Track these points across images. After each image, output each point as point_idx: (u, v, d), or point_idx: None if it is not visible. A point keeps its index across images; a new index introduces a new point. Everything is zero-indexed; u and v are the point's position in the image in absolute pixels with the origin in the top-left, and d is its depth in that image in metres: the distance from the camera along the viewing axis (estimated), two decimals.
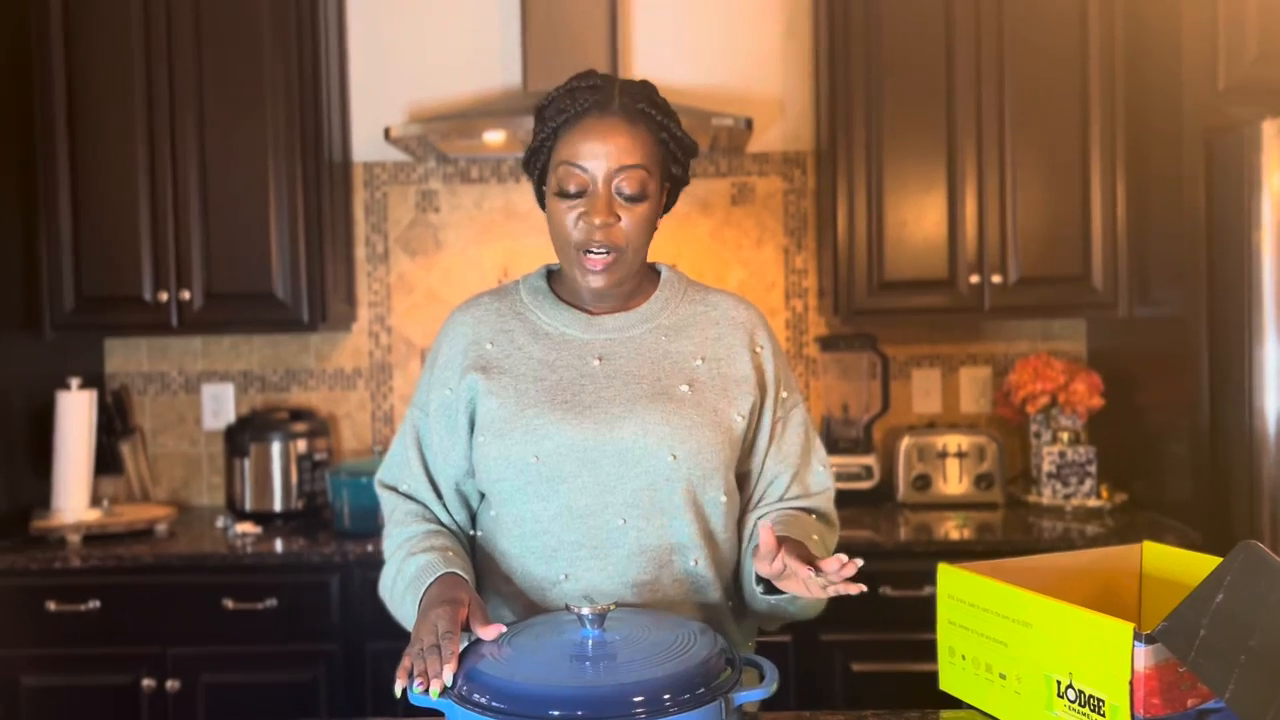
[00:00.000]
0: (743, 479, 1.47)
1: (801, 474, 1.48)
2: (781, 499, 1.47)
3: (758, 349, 1.45)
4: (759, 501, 1.47)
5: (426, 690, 1.08)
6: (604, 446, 1.34)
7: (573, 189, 1.34)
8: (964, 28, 2.73)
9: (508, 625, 1.20)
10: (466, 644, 1.17)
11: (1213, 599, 1.02)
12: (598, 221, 1.33)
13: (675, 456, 1.34)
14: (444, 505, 1.46)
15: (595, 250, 1.34)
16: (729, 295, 1.50)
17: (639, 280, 1.45)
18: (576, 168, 1.34)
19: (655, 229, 1.41)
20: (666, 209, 1.47)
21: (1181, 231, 2.47)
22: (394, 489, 1.49)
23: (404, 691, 1.10)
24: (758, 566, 1.23)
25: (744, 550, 1.45)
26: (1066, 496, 2.78)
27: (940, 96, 2.74)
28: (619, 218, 1.34)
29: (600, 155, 1.33)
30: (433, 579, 1.30)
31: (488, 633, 1.16)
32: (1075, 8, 2.72)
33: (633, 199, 1.34)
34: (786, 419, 1.47)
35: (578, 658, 1.08)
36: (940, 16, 2.73)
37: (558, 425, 1.35)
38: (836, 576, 1.14)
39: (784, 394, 1.47)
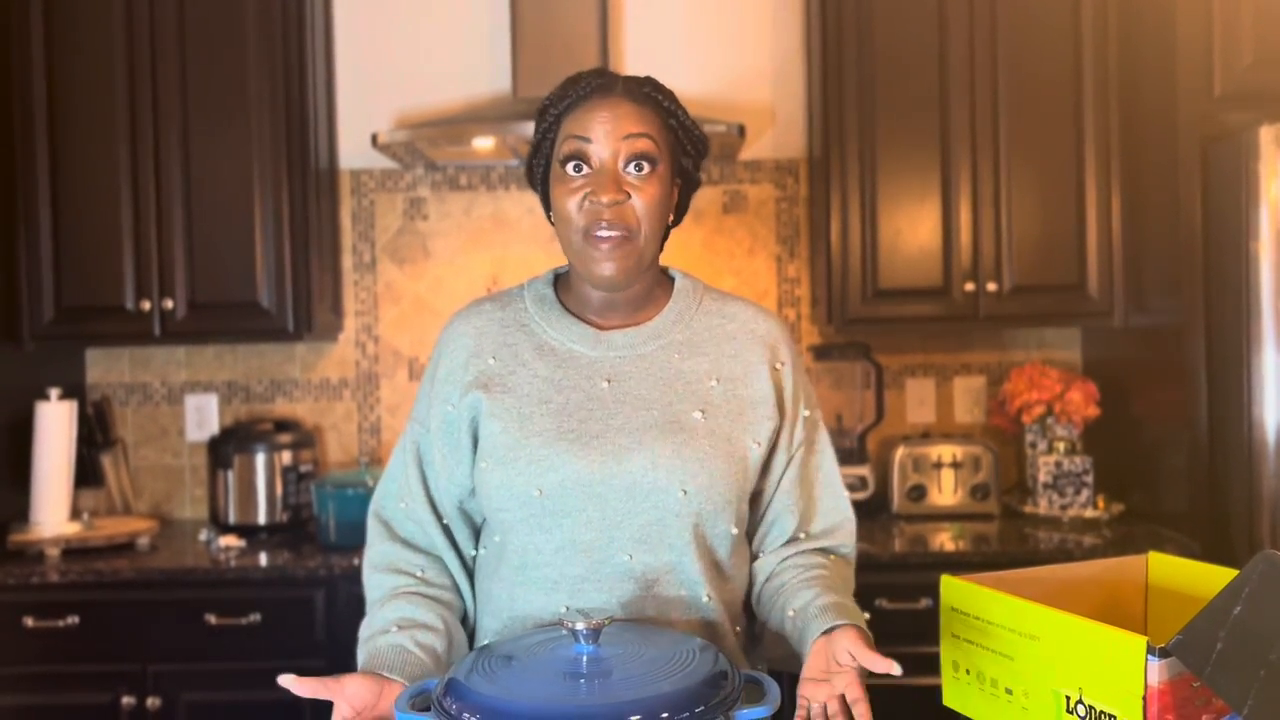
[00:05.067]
0: (756, 496, 1.39)
1: (823, 506, 1.40)
2: (795, 538, 1.39)
3: (778, 365, 1.36)
4: (771, 533, 1.39)
5: None
6: (611, 480, 1.27)
7: (577, 164, 1.26)
8: (957, 35, 2.71)
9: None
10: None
11: (1230, 611, 0.98)
12: (605, 199, 1.24)
13: (686, 492, 1.27)
14: (442, 529, 1.38)
15: (604, 231, 1.25)
16: (749, 305, 1.40)
17: (650, 287, 1.36)
18: (581, 139, 1.26)
19: (668, 223, 1.34)
20: (679, 217, 1.39)
21: (1178, 239, 2.44)
22: (388, 524, 1.40)
23: None
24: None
25: (758, 588, 1.38)
26: (1063, 507, 2.75)
27: (934, 103, 2.72)
28: (628, 195, 1.26)
29: (607, 129, 1.26)
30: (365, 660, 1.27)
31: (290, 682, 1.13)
32: (1069, 15, 2.70)
33: (642, 171, 1.26)
34: (813, 441, 1.40)
35: (571, 675, 1.04)
36: (934, 23, 2.71)
37: (563, 457, 1.27)
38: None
39: (806, 412, 1.39)
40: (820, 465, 1.40)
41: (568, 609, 1.29)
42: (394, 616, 1.30)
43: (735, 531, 1.33)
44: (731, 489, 1.30)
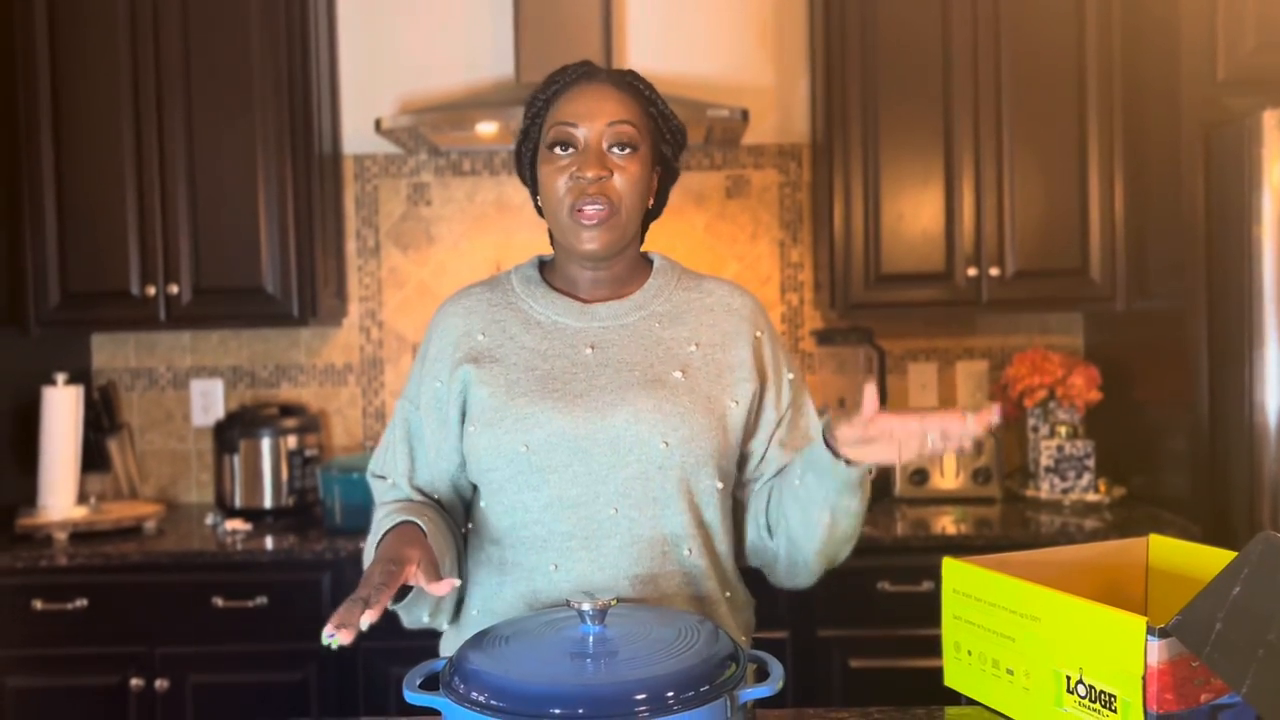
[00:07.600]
0: (744, 459, 1.44)
1: None
2: None
3: (757, 334, 1.43)
4: (769, 477, 1.43)
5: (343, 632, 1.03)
6: (595, 435, 1.32)
7: (564, 145, 1.34)
8: (960, 18, 2.71)
9: (498, 616, 1.17)
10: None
11: (1229, 591, 0.99)
12: (590, 174, 1.33)
13: (667, 443, 1.32)
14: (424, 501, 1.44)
15: (589, 206, 1.33)
16: (724, 282, 1.48)
17: (632, 267, 1.44)
18: (567, 125, 1.35)
19: (648, 205, 1.41)
20: (659, 207, 1.46)
21: (1180, 224, 2.45)
22: (383, 478, 1.48)
23: (334, 642, 1.04)
24: (844, 430, 1.20)
25: (767, 487, 1.41)
26: (1064, 491, 2.76)
27: (937, 88, 2.72)
28: (611, 172, 1.34)
29: (591, 114, 1.34)
30: (389, 528, 1.28)
31: (438, 588, 1.14)
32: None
33: (624, 151, 1.34)
34: (801, 403, 1.45)
35: (578, 655, 1.06)
36: (937, 7, 2.71)
37: (548, 414, 1.33)
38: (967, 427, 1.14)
39: (790, 375, 1.45)
40: (811, 425, 1.46)
41: (556, 567, 1.33)
42: (394, 507, 1.35)
43: (720, 487, 1.38)
44: (712, 442, 1.35)
